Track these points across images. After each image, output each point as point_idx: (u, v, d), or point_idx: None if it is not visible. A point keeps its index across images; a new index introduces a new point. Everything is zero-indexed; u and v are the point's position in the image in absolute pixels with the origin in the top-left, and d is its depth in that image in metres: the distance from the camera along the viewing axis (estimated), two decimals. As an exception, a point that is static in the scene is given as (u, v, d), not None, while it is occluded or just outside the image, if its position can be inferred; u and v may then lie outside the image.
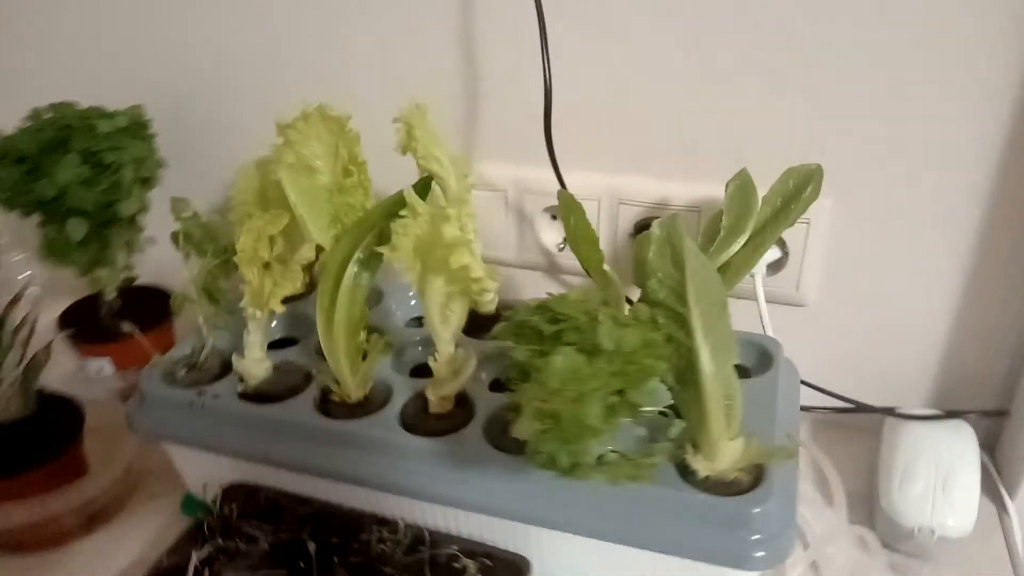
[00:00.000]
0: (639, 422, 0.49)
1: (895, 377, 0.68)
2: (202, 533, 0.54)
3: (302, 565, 0.53)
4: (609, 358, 0.40)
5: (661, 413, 0.50)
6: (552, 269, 0.74)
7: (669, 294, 0.47)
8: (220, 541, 0.54)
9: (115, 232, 0.70)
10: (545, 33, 0.60)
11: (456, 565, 0.52)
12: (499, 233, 0.72)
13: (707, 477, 0.48)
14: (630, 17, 0.61)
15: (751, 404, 0.54)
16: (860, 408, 0.65)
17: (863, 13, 0.56)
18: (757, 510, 0.46)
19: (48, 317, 0.74)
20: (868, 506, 0.62)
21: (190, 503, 0.63)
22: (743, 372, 0.60)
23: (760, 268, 0.64)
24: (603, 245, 0.69)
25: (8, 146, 0.64)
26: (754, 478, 0.48)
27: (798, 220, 0.61)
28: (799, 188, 0.54)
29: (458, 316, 0.50)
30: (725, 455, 0.47)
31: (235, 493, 0.58)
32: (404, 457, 0.52)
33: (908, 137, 0.59)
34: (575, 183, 0.67)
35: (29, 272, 0.79)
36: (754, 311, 0.65)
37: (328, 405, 0.56)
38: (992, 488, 0.64)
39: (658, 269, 0.48)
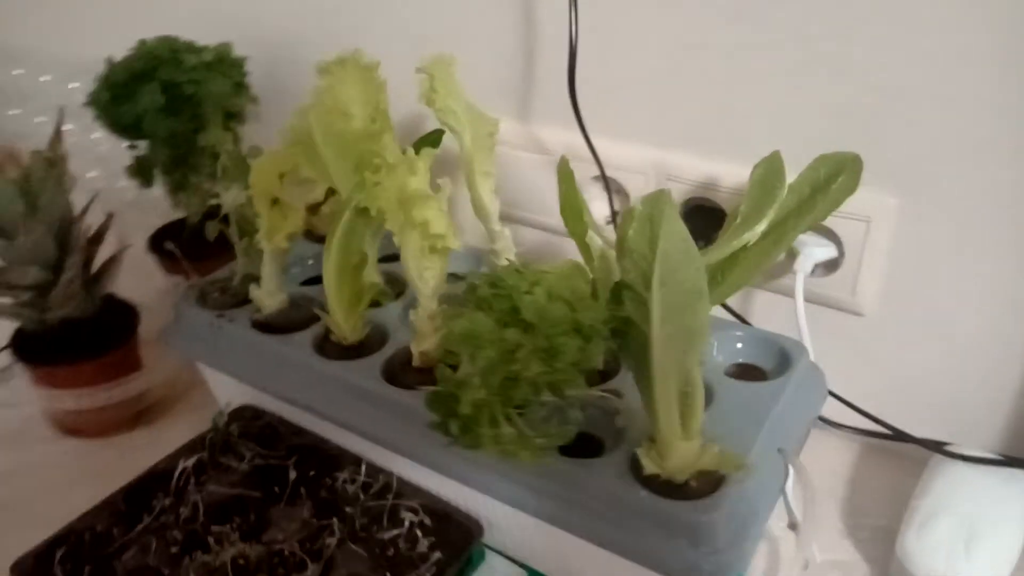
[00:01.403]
0: (594, 404, 0.47)
1: (957, 410, 0.59)
2: (201, 445, 0.59)
3: (276, 490, 0.55)
4: (532, 333, 0.38)
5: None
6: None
7: (638, 276, 0.43)
8: (214, 456, 0.58)
9: (198, 160, 0.75)
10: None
11: (413, 518, 0.52)
12: (548, 199, 0.70)
13: (656, 476, 0.45)
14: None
15: (742, 408, 0.50)
16: (899, 436, 0.58)
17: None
18: (696, 518, 0.42)
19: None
20: (889, 543, 0.56)
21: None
22: (758, 374, 0.55)
23: (804, 265, 0.58)
24: (647, 222, 0.66)
25: (109, 72, 0.70)
26: (711, 485, 0.45)
27: (856, 217, 0.57)
28: (829, 178, 0.48)
29: (435, 272, 0.49)
30: (676, 456, 0.44)
31: (241, 414, 0.61)
32: (377, 406, 0.53)
33: (982, 137, 0.51)
34: (623, 155, 0.64)
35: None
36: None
37: (325, 345, 0.58)
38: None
39: (634, 248, 0.44)
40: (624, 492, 0.44)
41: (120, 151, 0.78)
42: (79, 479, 0.63)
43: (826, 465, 0.63)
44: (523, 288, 0.40)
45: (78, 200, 0.66)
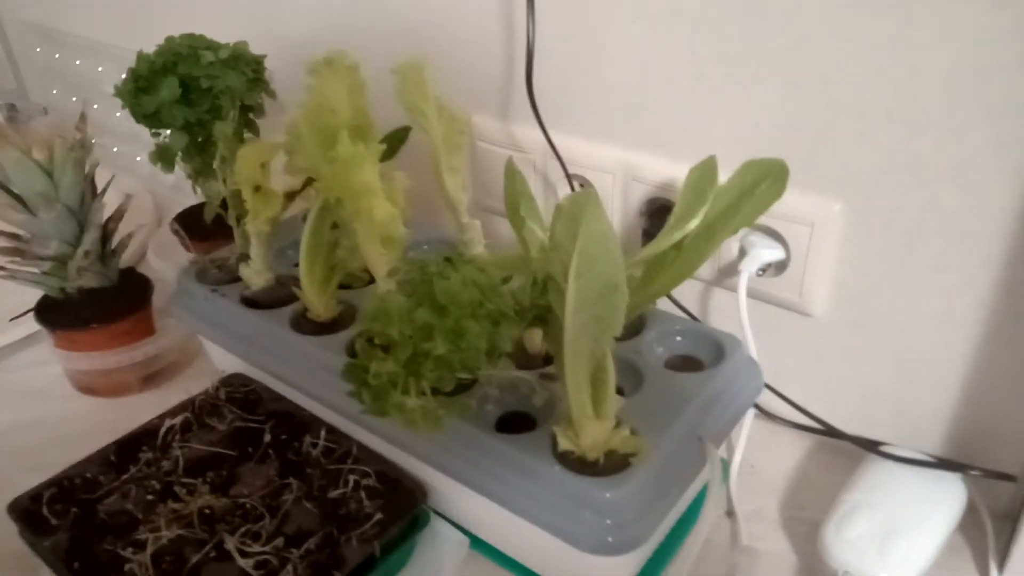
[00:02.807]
0: (512, 385, 0.51)
1: (899, 413, 0.61)
2: (190, 407, 0.65)
3: (250, 450, 0.61)
4: (443, 315, 0.43)
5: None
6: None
7: (560, 268, 0.47)
8: (200, 417, 0.64)
9: (216, 149, 0.82)
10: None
11: (365, 481, 0.57)
12: (527, 195, 0.74)
13: (570, 452, 0.48)
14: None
15: (669, 396, 0.53)
16: (832, 433, 0.60)
17: (885, 7, 0.51)
18: (601, 493, 0.46)
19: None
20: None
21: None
22: (697, 365, 0.58)
23: (749, 265, 0.60)
24: (614, 220, 0.70)
25: (136, 66, 0.77)
26: (623, 464, 0.48)
27: (801, 221, 0.59)
28: (756, 183, 0.51)
29: (387, 257, 0.54)
30: (588, 435, 0.48)
31: (231, 381, 0.67)
32: (339, 378, 0.58)
33: (928, 153, 0.53)
34: (593, 154, 0.68)
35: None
36: (747, 309, 0.62)
37: (302, 321, 0.63)
38: (982, 557, 0.56)
39: (559, 243, 0.48)
40: (539, 466, 0.48)
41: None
42: (89, 433, 0.70)
43: (773, 460, 0.65)
44: (444, 274, 0.44)
45: (126, 183, 0.73)
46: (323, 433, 0.61)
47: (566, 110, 0.68)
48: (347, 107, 0.64)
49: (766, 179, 0.51)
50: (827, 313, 0.62)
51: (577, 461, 0.48)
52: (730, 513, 0.60)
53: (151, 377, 0.77)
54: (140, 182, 1.12)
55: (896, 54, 0.52)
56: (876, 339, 0.61)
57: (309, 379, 0.60)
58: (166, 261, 0.91)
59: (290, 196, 0.61)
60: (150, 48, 0.78)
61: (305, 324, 0.62)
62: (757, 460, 0.64)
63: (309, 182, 0.61)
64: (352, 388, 0.43)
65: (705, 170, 0.54)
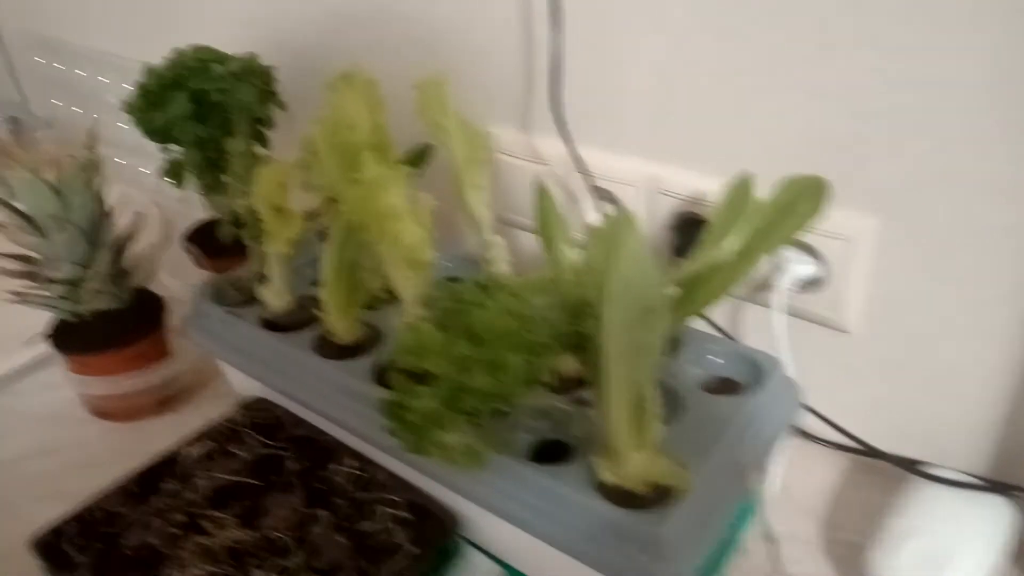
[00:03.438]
0: (548, 412, 0.49)
1: (938, 431, 0.59)
2: (211, 434, 0.63)
3: (274, 479, 0.59)
4: (481, 346, 0.41)
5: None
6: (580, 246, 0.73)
7: (597, 293, 0.46)
8: (222, 444, 0.62)
9: (228, 163, 0.80)
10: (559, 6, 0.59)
11: (394, 512, 0.55)
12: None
13: (611, 484, 0.47)
14: (672, 7, 0.59)
15: (709, 421, 0.51)
16: (871, 452, 0.59)
17: (915, 15, 0.49)
18: (646, 528, 0.44)
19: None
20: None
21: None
22: (733, 387, 0.56)
23: (785, 281, 0.58)
24: (640, 234, 0.68)
25: (144, 80, 0.75)
26: (667, 494, 0.46)
27: (838, 236, 0.57)
28: (794, 201, 0.49)
29: (414, 281, 0.52)
30: (628, 465, 0.46)
31: (253, 406, 0.65)
32: (366, 405, 0.56)
33: (961, 165, 0.51)
34: (616, 167, 0.66)
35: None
36: (782, 328, 0.60)
37: (324, 344, 0.61)
38: (1030, 580, 0.55)
39: (593, 267, 0.46)
40: (579, 498, 0.46)
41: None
42: (106, 459, 0.69)
43: (809, 480, 0.63)
44: (478, 302, 0.42)
45: (131, 196, 0.71)
46: (348, 460, 0.59)
47: (587, 121, 0.66)
48: (366, 123, 0.62)
49: (806, 196, 0.49)
50: (861, 329, 0.60)
51: (618, 493, 0.47)
52: (768, 536, 0.59)
53: (167, 400, 0.75)
54: (145, 195, 1.10)
55: (925, 64, 0.50)
56: (911, 355, 0.59)
57: (332, 405, 0.58)
58: (177, 279, 0.89)
59: (311, 216, 0.60)
60: (152, 58, 0.76)
61: (327, 347, 0.61)
62: (789, 480, 0.63)
63: (329, 202, 0.59)
64: (389, 425, 0.41)
65: (741, 187, 0.52)
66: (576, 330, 0.45)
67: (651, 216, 0.66)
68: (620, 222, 0.46)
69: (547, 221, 0.51)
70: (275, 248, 0.59)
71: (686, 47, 0.59)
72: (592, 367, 0.46)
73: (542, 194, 0.51)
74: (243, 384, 0.68)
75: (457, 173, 0.58)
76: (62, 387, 0.76)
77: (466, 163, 0.58)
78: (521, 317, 0.42)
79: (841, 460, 0.65)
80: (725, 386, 0.57)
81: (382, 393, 0.55)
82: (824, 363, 0.63)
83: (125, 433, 0.73)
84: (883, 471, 0.62)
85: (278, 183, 0.57)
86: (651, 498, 0.47)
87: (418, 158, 0.56)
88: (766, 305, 0.63)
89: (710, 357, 0.57)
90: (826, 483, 0.64)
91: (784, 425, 0.55)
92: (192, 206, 0.92)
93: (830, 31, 0.53)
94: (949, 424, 0.59)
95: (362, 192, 0.49)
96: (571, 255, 0.52)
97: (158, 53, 0.77)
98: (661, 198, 0.65)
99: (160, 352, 0.74)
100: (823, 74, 0.54)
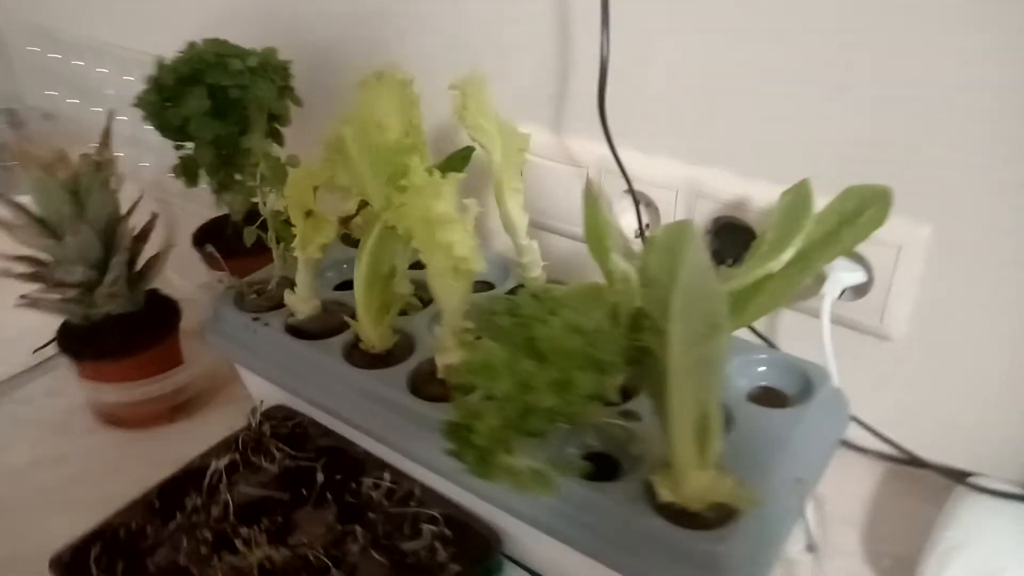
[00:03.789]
0: (606, 429, 0.47)
1: (982, 441, 0.58)
2: (234, 445, 0.61)
3: (304, 492, 0.57)
4: (547, 364, 0.39)
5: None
6: (627, 254, 0.71)
7: (658, 306, 0.44)
8: (246, 455, 0.60)
9: (242, 161, 0.77)
10: (607, 7, 0.57)
11: (434, 528, 0.53)
12: (578, 209, 0.70)
13: (670, 504, 0.45)
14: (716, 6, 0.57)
15: (761, 435, 0.50)
16: (915, 462, 0.58)
17: (971, 16, 0.48)
18: (710, 548, 0.43)
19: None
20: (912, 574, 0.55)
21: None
22: (781, 399, 0.55)
23: (832, 289, 0.57)
24: (676, 238, 0.66)
25: (158, 75, 0.72)
26: (726, 513, 0.45)
27: (887, 244, 0.56)
28: (859, 210, 0.48)
29: (457, 290, 0.50)
30: (691, 485, 0.44)
31: (275, 414, 0.63)
32: (401, 415, 0.54)
33: (1020, 175, 0.50)
34: (654, 170, 0.64)
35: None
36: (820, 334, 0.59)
37: (354, 352, 0.59)
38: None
39: (654, 278, 0.45)
40: (638, 519, 0.45)
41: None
42: (118, 469, 0.66)
43: (848, 489, 0.62)
44: (540, 317, 0.40)
45: (130, 191, 0.68)
46: (381, 473, 0.57)
47: (624, 122, 0.64)
48: (397, 123, 0.60)
49: (870, 207, 0.47)
50: (906, 336, 0.59)
51: (680, 513, 0.45)
52: (812, 548, 0.57)
53: (180, 407, 0.72)
54: (145, 189, 1.07)
55: (983, 67, 0.49)
56: (956, 363, 0.58)
57: (365, 415, 0.56)
58: (185, 278, 0.86)
59: (344, 221, 0.57)
60: (153, 49, 0.73)
61: (359, 355, 0.59)
62: (828, 490, 0.62)
63: (363, 205, 0.57)
64: (452, 447, 0.39)
65: (799, 194, 0.50)
66: (635, 344, 0.43)
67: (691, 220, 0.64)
68: (680, 232, 0.44)
69: (597, 229, 0.49)
70: (307, 254, 0.57)
71: (730, 48, 0.58)
72: (653, 384, 0.44)
73: (592, 201, 0.49)
74: (261, 390, 0.66)
75: (498, 176, 0.56)
76: (64, 394, 0.74)
77: (506, 166, 0.56)
78: (585, 332, 0.40)
79: (876, 468, 0.64)
80: (768, 396, 0.56)
81: (417, 404, 0.53)
82: (862, 370, 0.62)
83: (138, 442, 0.70)
84: (921, 480, 0.61)
85: (311, 186, 0.55)
86: (709, 516, 0.45)
87: (460, 162, 0.54)
88: (807, 313, 0.61)
89: (756, 367, 0.56)
90: (864, 493, 0.63)
91: (836, 438, 0.54)
92: (194, 200, 0.89)
93: (884, 33, 0.51)
94: (994, 434, 0.58)
95: (410, 199, 0.47)
96: (622, 264, 0.50)
97: (157, 44, 0.74)
98: (700, 201, 0.63)
99: (175, 357, 0.71)
100: (884, 79, 0.53)
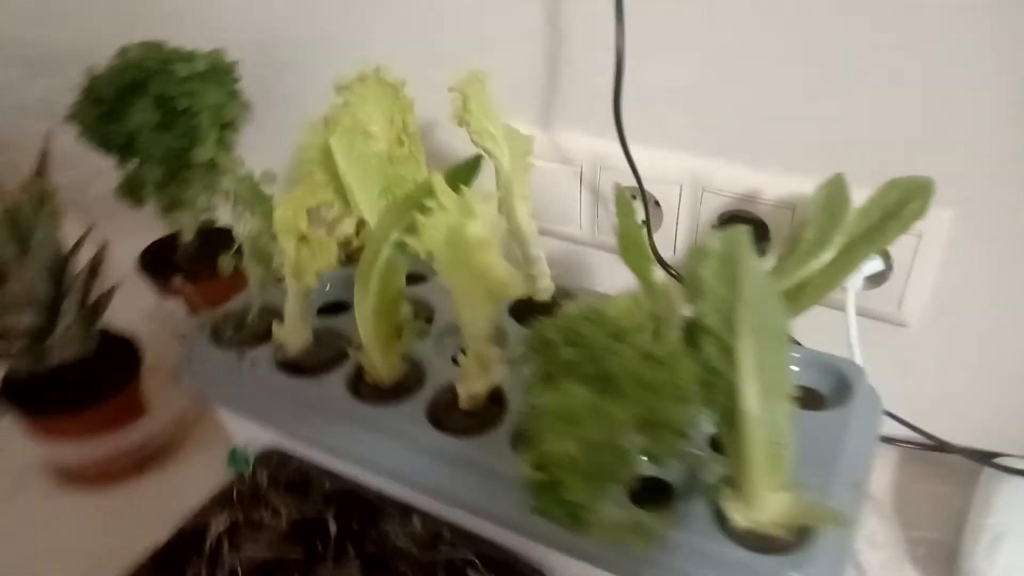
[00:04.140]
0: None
1: (1002, 424, 0.58)
2: (231, 499, 0.54)
3: (319, 547, 0.52)
4: (627, 399, 0.36)
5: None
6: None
7: (720, 321, 0.41)
8: (246, 510, 0.54)
9: (193, 175, 0.70)
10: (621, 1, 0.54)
11: (473, 573, 0.49)
12: (572, 210, 0.67)
13: (746, 529, 0.42)
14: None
15: (813, 441, 0.48)
16: (942, 447, 0.57)
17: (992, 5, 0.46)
18: (793, 574, 0.40)
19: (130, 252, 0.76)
20: (951, 561, 0.55)
21: (236, 457, 0.63)
22: (816, 399, 0.53)
23: (855, 281, 0.56)
24: (682, 237, 0.63)
25: (92, 85, 0.64)
26: (797, 536, 0.43)
27: (908, 231, 0.54)
28: (902, 203, 0.46)
29: (485, 314, 0.46)
30: (766, 507, 0.42)
31: (269, 459, 0.57)
32: (423, 453, 0.49)
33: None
34: (655, 163, 0.61)
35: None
36: (843, 326, 0.57)
37: (360, 384, 0.54)
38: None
39: (711, 290, 0.41)
40: (713, 548, 0.42)
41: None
42: (89, 536, 0.59)
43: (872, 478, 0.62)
44: (609, 347, 0.37)
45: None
46: (402, 516, 0.52)
47: (625, 115, 0.61)
48: (384, 131, 0.55)
49: (914, 199, 0.46)
50: (924, 323, 0.59)
51: (756, 538, 0.42)
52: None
53: (149, 457, 0.65)
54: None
55: (1001, 54, 0.48)
56: (975, 347, 0.58)
57: (384, 454, 0.51)
58: (130, 309, 0.78)
59: (345, 244, 0.52)
60: (73, 46, 0.64)
61: (366, 389, 0.53)
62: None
63: (361, 225, 0.52)
64: (540, 506, 0.35)
65: (834, 189, 0.48)
66: (706, 366, 0.40)
67: (696, 216, 0.62)
68: (737, 238, 0.41)
69: (633, 238, 0.46)
70: (302, 282, 0.51)
71: (741, 36, 0.55)
72: (719, 403, 0.41)
73: (625, 209, 0.46)
74: (244, 433, 0.59)
75: (507, 184, 0.52)
76: (14, 453, 0.65)
77: (513, 172, 0.52)
78: (662, 360, 0.37)
79: (893, 453, 0.64)
80: (804, 396, 0.54)
81: (439, 438, 0.49)
82: (878, 357, 0.61)
83: (105, 502, 0.63)
84: (941, 463, 0.61)
85: (304, 209, 0.49)
86: (781, 538, 0.43)
87: (469, 172, 0.50)
88: (823, 303, 0.60)
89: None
90: (887, 479, 0.62)
91: (876, 436, 0.52)
92: (124, 222, 0.80)
93: (901, 15, 0.50)
94: (1011, 416, 0.58)
95: (436, 219, 0.42)
96: (660, 275, 0.47)
97: (67, 35, 0.65)
98: (706, 196, 0.61)
99: (138, 403, 0.64)
100: (903, 64, 0.51)
